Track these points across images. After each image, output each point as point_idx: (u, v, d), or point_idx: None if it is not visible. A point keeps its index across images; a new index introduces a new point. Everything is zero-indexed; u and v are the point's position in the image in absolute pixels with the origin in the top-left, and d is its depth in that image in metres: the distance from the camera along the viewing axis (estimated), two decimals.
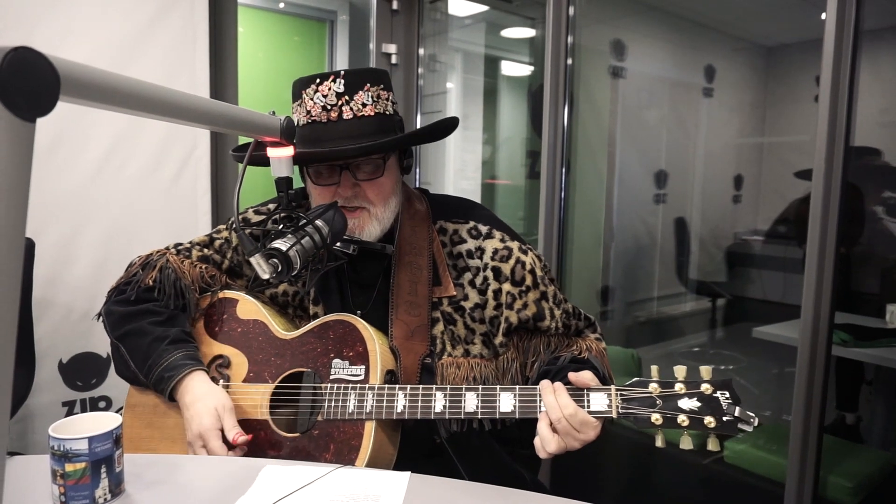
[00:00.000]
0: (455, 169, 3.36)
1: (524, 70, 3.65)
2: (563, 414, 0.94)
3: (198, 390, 1.09)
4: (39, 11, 1.77)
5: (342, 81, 1.08)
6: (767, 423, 2.65)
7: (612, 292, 3.48)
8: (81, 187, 1.88)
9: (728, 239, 4.05)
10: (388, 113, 1.13)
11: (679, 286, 3.90)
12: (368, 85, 1.10)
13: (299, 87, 1.13)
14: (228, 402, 1.10)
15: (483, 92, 3.56)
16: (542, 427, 0.96)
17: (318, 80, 1.10)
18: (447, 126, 1.20)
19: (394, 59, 2.71)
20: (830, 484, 1.91)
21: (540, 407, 0.98)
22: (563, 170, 2.30)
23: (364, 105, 1.09)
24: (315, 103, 1.09)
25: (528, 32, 3.47)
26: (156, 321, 1.16)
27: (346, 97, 1.08)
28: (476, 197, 3.40)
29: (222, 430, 1.07)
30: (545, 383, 0.98)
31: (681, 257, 3.87)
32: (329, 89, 1.09)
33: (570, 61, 2.27)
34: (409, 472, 0.99)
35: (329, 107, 1.09)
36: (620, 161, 3.42)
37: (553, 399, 0.95)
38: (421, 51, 2.79)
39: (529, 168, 3.32)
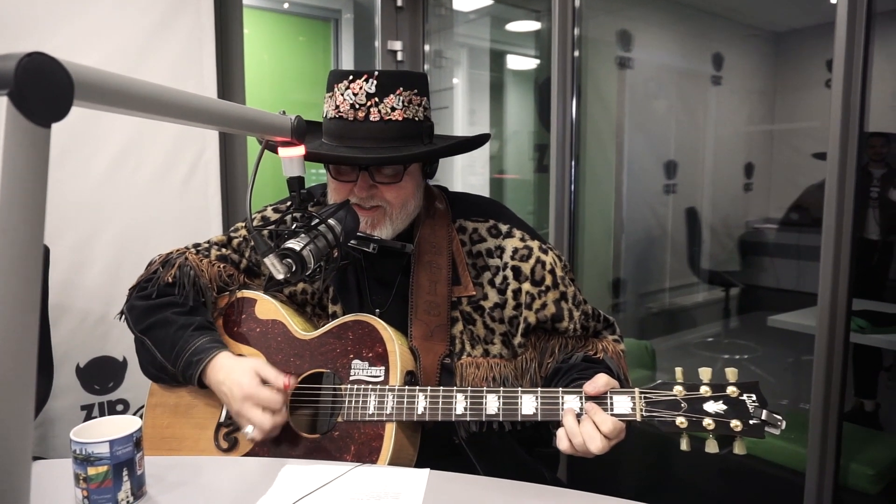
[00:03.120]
0: (463, 164, 3.35)
1: (530, 63, 3.64)
2: (603, 431, 0.92)
3: (227, 364, 1.09)
4: (51, 19, 1.77)
5: (374, 82, 1.07)
6: (785, 412, 2.63)
7: (623, 284, 3.46)
8: (94, 192, 1.89)
9: (740, 228, 4.02)
10: (417, 119, 1.10)
11: (691, 276, 3.88)
12: (401, 89, 1.08)
13: (333, 80, 1.11)
14: (259, 360, 1.10)
15: (489, 86, 3.54)
16: (569, 421, 0.95)
17: (350, 77, 1.08)
18: (470, 143, 1.19)
19: (399, 56, 2.71)
20: (851, 472, 1.89)
21: (562, 407, 0.97)
22: (573, 162, 2.29)
23: (393, 109, 1.07)
24: (344, 99, 1.08)
25: (533, 25, 3.46)
26: (179, 311, 1.17)
27: (376, 98, 1.07)
28: (485, 192, 3.40)
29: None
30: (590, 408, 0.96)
31: (693, 247, 3.85)
32: (360, 88, 1.07)
33: (576, 53, 2.25)
34: (428, 469, 0.98)
35: (357, 106, 1.07)
36: (630, 152, 3.40)
37: (593, 429, 0.93)
38: (426, 47, 2.78)
39: (538, 162, 3.31)
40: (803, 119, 3.91)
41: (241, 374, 1.07)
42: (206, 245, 1.27)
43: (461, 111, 3.43)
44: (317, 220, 0.97)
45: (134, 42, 1.92)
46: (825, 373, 1.62)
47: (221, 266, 1.24)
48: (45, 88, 0.47)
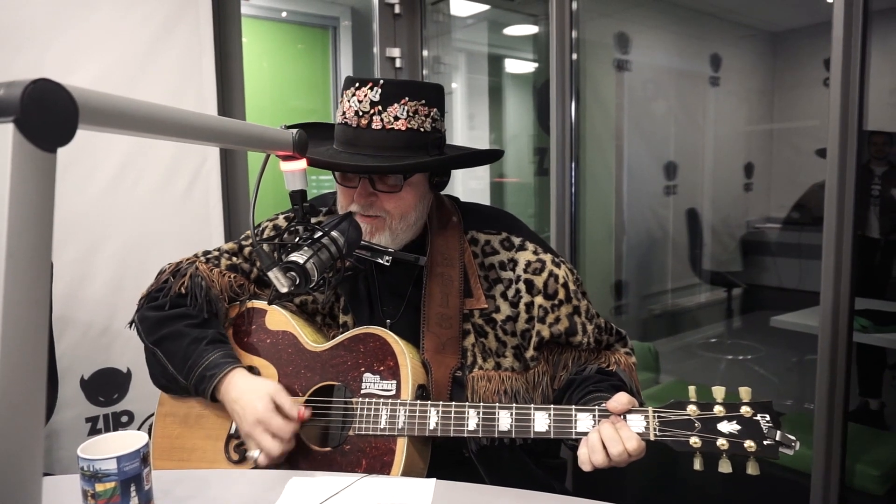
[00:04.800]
0: (464, 169, 3.35)
1: (528, 67, 3.64)
2: (628, 448, 0.92)
3: (242, 384, 1.09)
4: (50, 31, 1.78)
5: (379, 91, 1.06)
6: (789, 412, 2.63)
7: (625, 286, 3.46)
8: (95, 205, 1.89)
9: (741, 228, 4.02)
10: (423, 130, 1.09)
11: (693, 277, 3.88)
12: (406, 99, 1.07)
13: (344, 86, 1.12)
14: (277, 385, 1.10)
15: (488, 91, 3.55)
16: (594, 438, 0.94)
17: (357, 84, 1.08)
18: (472, 158, 1.18)
19: (398, 63, 2.71)
20: (857, 472, 1.89)
21: (576, 427, 0.97)
22: (573, 165, 2.29)
23: (396, 118, 1.07)
24: (350, 106, 1.08)
25: (530, 29, 3.47)
26: (191, 324, 1.16)
27: (379, 107, 1.06)
28: (486, 196, 3.40)
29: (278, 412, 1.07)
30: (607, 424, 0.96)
31: (694, 248, 3.85)
32: (365, 96, 1.07)
33: (574, 56, 2.26)
34: (434, 479, 0.99)
35: (361, 113, 1.07)
36: (629, 154, 3.41)
37: (613, 431, 0.93)
38: (425, 53, 2.79)
39: (538, 165, 3.32)
40: (802, 118, 3.92)
41: (256, 397, 1.07)
42: (217, 253, 1.27)
43: (460, 116, 3.44)
44: (320, 233, 0.97)
45: (133, 52, 1.92)
46: (829, 372, 1.62)
47: (232, 276, 1.24)
48: (50, 114, 0.48)
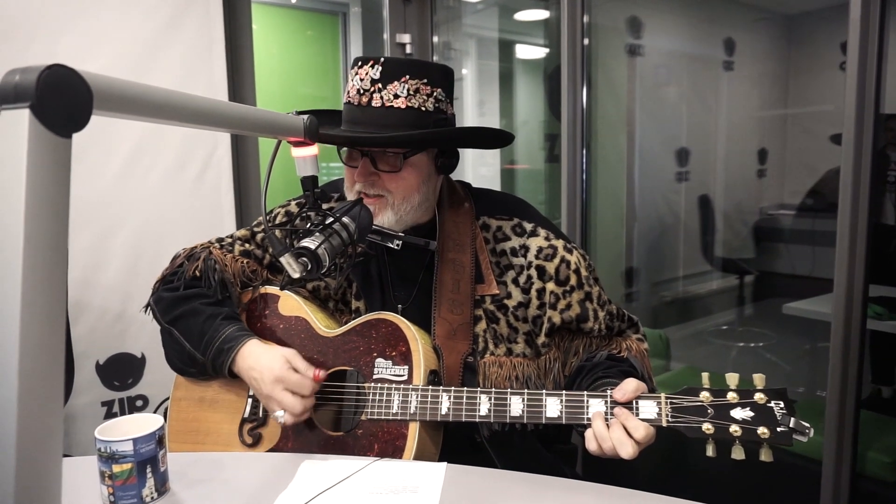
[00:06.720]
0: (474, 155, 3.34)
1: (539, 53, 3.61)
2: (636, 437, 0.92)
3: (257, 351, 1.10)
4: (61, 22, 1.79)
5: (380, 68, 1.06)
6: (802, 399, 2.62)
7: (636, 273, 3.45)
8: (109, 192, 1.91)
9: (754, 214, 3.98)
10: (424, 109, 1.08)
11: (705, 264, 3.85)
12: (407, 77, 1.06)
13: (350, 66, 1.12)
14: (291, 349, 1.11)
15: (499, 77, 3.53)
16: (598, 425, 0.94)
17: (360, 63, 1.09)
18: (460, 133, 1.16)
19: (408, 49, 2.70)
20: (869, 459, 1.88)
21: (587, 412, 0.97)
22: (584, 152, 2.28)
23: (396, 96, 1.06)
24: (353, 85, 1.09)
25: (541, 14, 3.43)
26: (206, 302, 1.17)
27: (380, 84, 1.06)
28: (496, 183, 3.39)
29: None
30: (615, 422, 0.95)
31: (706, 235, 3.82)
32: (366, 74, 1.07)
33: (586, 41, 2.24)
34: (445, 463, 0.99)
35: (363, 91, 1.07)
36: (641, 140, 3.38)
37: (623, 434, 0.93)
38: (435, 39, 2.77)
39: (549, 151, 3.30)
40: (817, 103, 3.86)
41: (271, 359, 1.07)
42: (230, 240, 1.28)
43: (471, 102, 3.43)
44: (331, 219, 0.97)
45: (144, 40, 1.93)
46: (842, 360, 1.61)
47: (245, 262, 1.24)
48: (65, 100, 0.48)
